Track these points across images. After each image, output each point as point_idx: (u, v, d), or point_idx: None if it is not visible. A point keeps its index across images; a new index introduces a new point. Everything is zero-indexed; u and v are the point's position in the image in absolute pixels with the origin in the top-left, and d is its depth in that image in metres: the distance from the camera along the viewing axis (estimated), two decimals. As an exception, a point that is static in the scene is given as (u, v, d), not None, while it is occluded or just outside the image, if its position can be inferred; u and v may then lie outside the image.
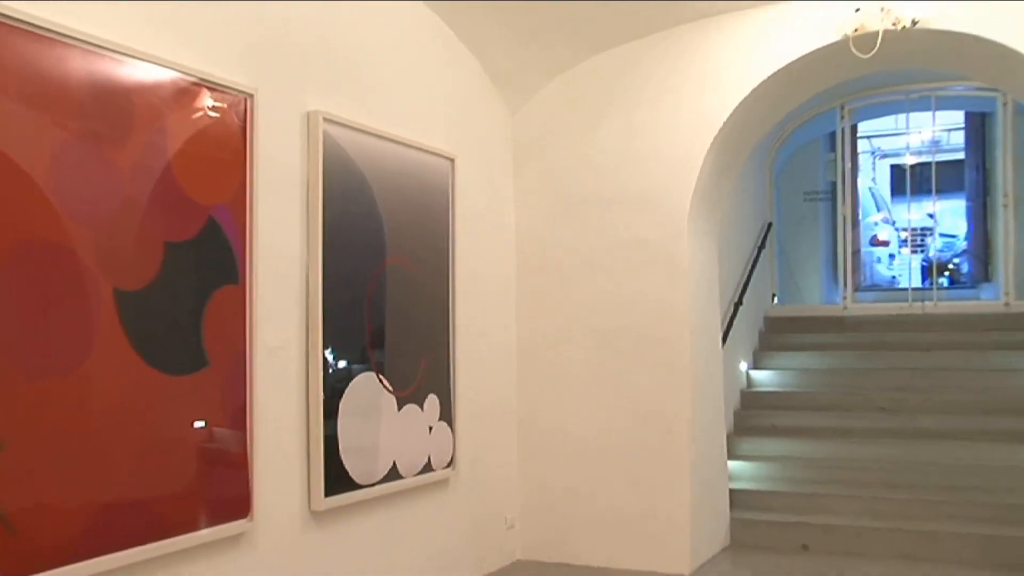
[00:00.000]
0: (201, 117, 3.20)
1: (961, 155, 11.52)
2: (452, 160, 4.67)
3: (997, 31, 4.39)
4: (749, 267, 7.81)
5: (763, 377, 7.66)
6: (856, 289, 9.49)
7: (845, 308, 8.61)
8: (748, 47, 4.90)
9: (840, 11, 4.55)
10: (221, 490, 3.23)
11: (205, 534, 3.15)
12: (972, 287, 11.40)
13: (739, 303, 7.21)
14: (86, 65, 2.79)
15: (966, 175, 11.34)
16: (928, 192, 10.37)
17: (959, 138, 11.72)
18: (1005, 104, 8.44)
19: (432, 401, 4.46)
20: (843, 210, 9.05)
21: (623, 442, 5.09)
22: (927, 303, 8.44)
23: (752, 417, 7.06)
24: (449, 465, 4.58)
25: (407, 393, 4.27)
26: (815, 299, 10.11)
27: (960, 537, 5.31)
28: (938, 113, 9.97)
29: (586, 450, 5.17)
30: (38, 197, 2.63)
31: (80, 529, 2.71)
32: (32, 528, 2.58)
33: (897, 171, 12.92)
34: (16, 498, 2.54)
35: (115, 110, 2.88)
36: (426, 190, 4.49)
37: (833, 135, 9.53)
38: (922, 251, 12.42)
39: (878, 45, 4.52)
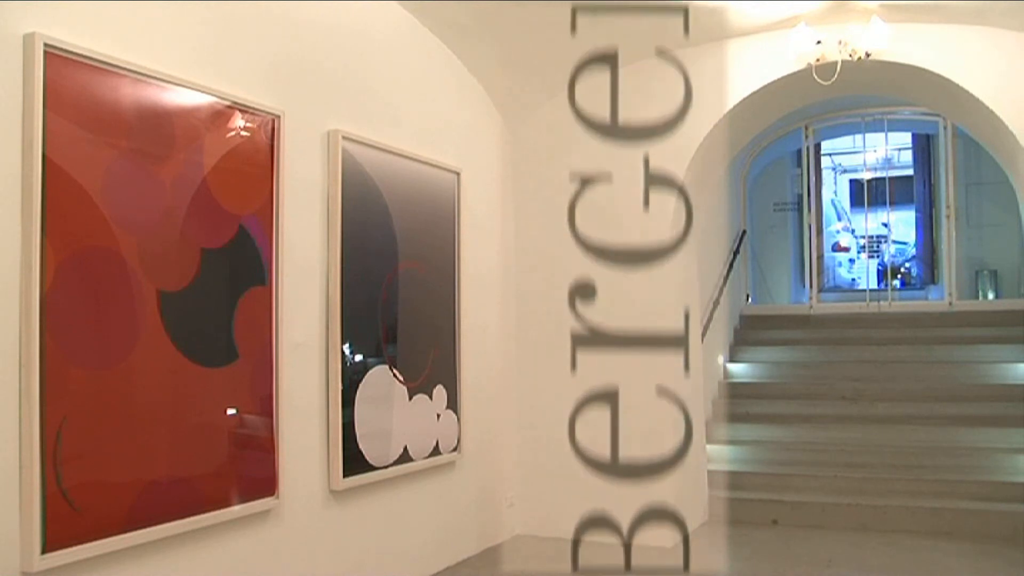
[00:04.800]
0: (234, 136, 3.22)
1: (910, 171, 11.57)
2: (458, 173, 4.66)
3: (937, 64, 4.56)
4: (726, 270, 7.81)
5: (738, 369, 7.66)
6: (821, 290, 9.54)
7: (811, 307, 8.63)
8: (722, 74, 4.92)
9: (804, 43, 4.58)
10: (250, 470, 3.25)
11: (236, 510, 3.17)
12: (921, 288, 11.46)
13: (717, 302, 7.23)
14: (134, 92, 2.82)
15: (915, 189, 11.40)
16: (883, 204, 10.44)
17: (908, 156, 11.76)
18: (946, 127, 8.51)
19: (440, 391, 4.47)
20: (809, 219, 9.10)
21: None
22: (882, 303, 8.47)
23: (728, 405, 7.05)
24: (455, 449, 4.58)
25: (417, 384, 4.28)
26: (784, 299, 10.15)
27: (908, 510, 5.37)
28: (890, 134, 10.06)
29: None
30: (92, 208, 2.66)
31: (128, 504, 2.74)
32: (86, 502, 2.60)
33: (856, 185, 12.95)
34: (73, 474, 2.57)
35: (159, 131, 2.90)
36: (435, 200, 4.49)
37: (799, 152, 9.58)
38: (878, 256, 12.45)
39: (837, 73, 4.57)
